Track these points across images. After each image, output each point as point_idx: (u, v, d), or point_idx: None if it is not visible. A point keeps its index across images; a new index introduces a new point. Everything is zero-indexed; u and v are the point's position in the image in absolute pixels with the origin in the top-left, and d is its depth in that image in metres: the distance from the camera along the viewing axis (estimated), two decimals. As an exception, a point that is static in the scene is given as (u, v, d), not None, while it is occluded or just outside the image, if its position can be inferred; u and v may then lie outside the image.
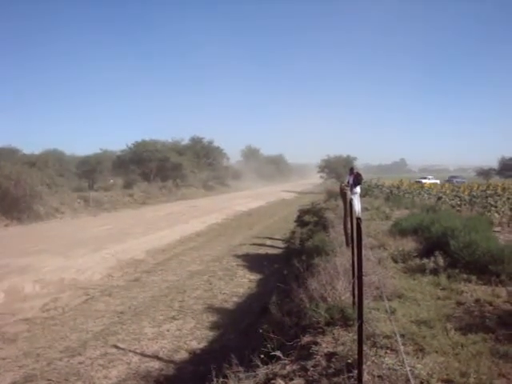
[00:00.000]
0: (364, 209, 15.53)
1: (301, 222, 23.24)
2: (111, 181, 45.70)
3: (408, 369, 3.36)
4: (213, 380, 4.61)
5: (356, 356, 3.73)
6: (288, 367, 4.59)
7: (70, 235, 20.19)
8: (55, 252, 15.64)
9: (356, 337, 3.72)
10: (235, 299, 10.43)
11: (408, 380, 3.64)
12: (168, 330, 8.37)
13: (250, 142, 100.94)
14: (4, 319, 9.27)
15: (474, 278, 7.32)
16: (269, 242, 18.37)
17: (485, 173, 67.71)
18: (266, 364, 4.77)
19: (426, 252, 8.91)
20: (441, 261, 7.97)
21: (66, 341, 7.90)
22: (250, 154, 77.83)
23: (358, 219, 3.61)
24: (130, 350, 7.35)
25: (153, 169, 47.08)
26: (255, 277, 12.52)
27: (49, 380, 6.26)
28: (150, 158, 47.30)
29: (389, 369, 3.88)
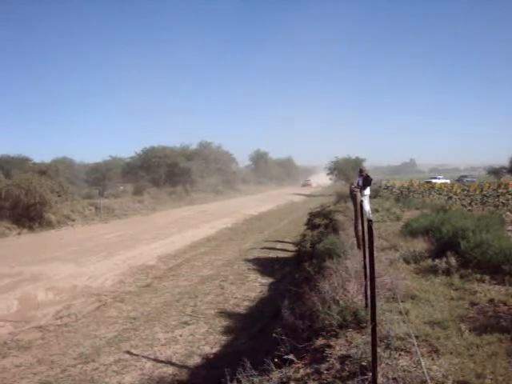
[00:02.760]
0: (374, 210, 15.50)
1: (311, 224, 23.18)
2: (121, 187, 45.84)
3: (424, 370, 3.34)
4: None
5: (370, 358, 3.71)
6: (302, 370, 4.57)
7: (82, 242, 20.28)
8: (67, 259, 15.73)
9: (369, 339, 3.69)
10: (247, 303, 10.43)
11: (423, 382, 3.62)
12: (181, 335, 8.39)
13: (259, 146, 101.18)
14: (18, 327, 9.35)
15: (487, 277, 7.24)
16: (279, 246, 18.36)
17: (496, 171, 66.92)
18: (280, 368, 4.75)
19: (438, 252, 8.84)
20: (453, 261, 7.91)
21: (79, 347, 7.95)
22: (259, 157, 77.78)
23: (370, 221, 3.59)
24: (143, 356, 7.37)
25: (162, 175, 47.18)
26: (266, 280, 12.52)
27: (62, 387, 6.30)
28: (159, 163, 47.41)
29: (403, 371, 3.85)
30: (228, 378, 4.69)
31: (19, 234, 23.36)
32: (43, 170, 28.33)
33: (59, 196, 26.70)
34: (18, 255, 17.11)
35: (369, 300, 4.83)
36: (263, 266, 14.35)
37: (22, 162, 39.36)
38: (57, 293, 11.79)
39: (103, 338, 8.42)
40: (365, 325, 4.99)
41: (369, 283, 3.94)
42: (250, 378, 4.53)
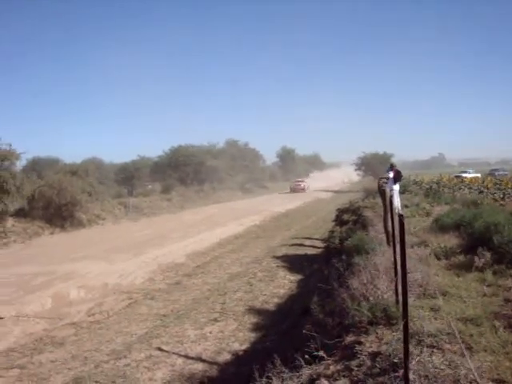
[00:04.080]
0: (403, 206, 15.29)
1: (339, 221, 23.03)
2: (149, 186, 46.39)
3: (471, 365, 3.28)
4: (256, 380, 4.62)
5: (401, 355, 3.67)
6: (332, 367, 4.55)
7: (112, 241, 20.60)
8: (98, 258, 16.00)
9: (400, 335, 3.65)
10: (276, 300, 10.43)
11: (456, 380, 3.56)
12: (210, 332, 8.45)
13: (286, 142, 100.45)
14: (52, 324, 9.57)
15: (522, 273, 7.07)
16: (308, 243, 18.29)
17: (529, 164, 65.38)
18: (310, 364, 4.74)
19: (469, 248, 8.66)
20: (486, 256, 7.75)
21: (111, 344, 8.09)
22: (286, 154, 77.48)
23: (401, 216, 3.52)
24: (173, 353, 7.45)
25: (189, 173, 47.54)
26: (295, 277, 12.49)
27: (97, 382, 6.43)
28: (186, 162, 47.79)
29: (435, 368, 3.80)
30: (257, 374, 4.70)
31: (52, 233, 23.87)
32: (74, 171, 28.82)
33: (90, 196, 27.14)
34: (50, 254, 17.49)
35: (400, 296, 4.78)
36: (292, 262, 14.32)
37: (53, 163, 40.21)
38: (88, 290, 12.01)
39: (134, 334, 8.55)
40: (395, 321, 4.93)
41: (400, 279, 3.89)
42: (280, 375, 4.53)
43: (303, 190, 56.03)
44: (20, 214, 24.03)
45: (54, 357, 7.62)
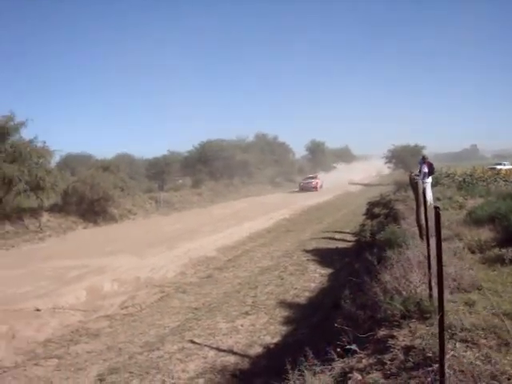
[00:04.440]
0: (436, 199, 15.06)
1: (370, 214, 22.84)
2: (180, 181, 46.83)
3: None
4: (288, 373, 4.63)
5: (435, 349, 3.63)
6: (364, 361, 4.53)
7: (143, 235, 20.89)
8: (130, 252, 16.24)
9: (434, 330, 3.61)
10: (307, 294, 10.43)
11: (493, 375, 3.51)
12: (242, 325, 8.50)
13: (315, 135, 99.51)
14: (87, 316, 9.78)
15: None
16: (338, 236, 18.19)
17: None
18: (342, 357, 4.73)
19: (505, 241, 8.47)
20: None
21: (145, 336, 8.22)
22: (315, 147, 76.93)
23: (437, 208, 3.47)
24: (205, 345, 7.53)
25: (219, 167, 47.78)
26: (326, 271, 12.45)
27: (131, 372, 6.55)
28: (215, 156, 48.05)
29: (471, 363, 3.74)
30: (289, 367, 4.71)
31: (85, 227, 24.37)
32: (106, 166, 29.29)
33: (121, 191, 27.56)
34: (84, 248, 17.86)
35: (433, 290, 4.73)
36: (322, 256, 14.27)
37: (85, 160, 40.99)
38: (121, 284, 12.21)
39: (167, 327, 8.67)
40: (429, 315, 4.88)
41: (435, 273, 3.84)
42: (312, 368, 4.54)
43: (315, 188, 47.60)
44: (54, 209, 24.61)
45: (89, 348, 7.80)
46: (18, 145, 22.32)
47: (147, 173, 46.54)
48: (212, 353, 7.20)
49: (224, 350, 7.28)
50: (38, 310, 9.99)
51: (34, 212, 23.10)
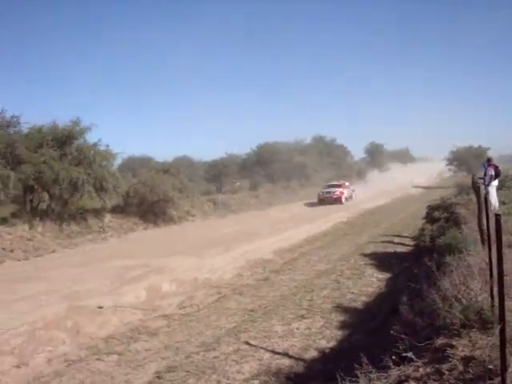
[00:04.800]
0: (501, 202, 14.47)
1: (430, 218, 22.21)
2: (238, 183, 47.25)
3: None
4: (343, 379, 4.59)
5: (497, 362, 3.50)
6: (421, 370, 4.42)
7: (201, 237, 21.26)
8: (188, 253, 16.56)
9: (496, 341, 3.49)
10: (364, 298, 10.29)
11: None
12: (297, 329, 8.49)
13: (374, 137, 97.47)
14: (146, 315, 10.09)
15: None
16: (397, 240, 17.84)
17: None
18: (398, 365, 4.64)
19: None
20: None
21: (201, 336, 8.38)
22: (374, 149, 75.60)
23: (498, 215, 3.36)
24: (261, 347, 7.57)
25: (276, 170, 47.86)
26: (384, 276, 12.24)
27: (187, 371, 6.69)
28: (273, 159, 48.19)
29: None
30: (344, 372, 4.67)
31: (145, 228, 25.10)
32: (166, 169, 30.06)
33: (180, 193, 28.18)
34: (144, 249, 18.41)
35: (496, 299, 4.56)
36: (380, 260, 14.03)
37: (146, 162, 42.14)
38: (179, 284, 12.48)
39: (223, 328, 8.79)
40: (490, 325, 4.70)
41: (497, 281, 3.71)
42: (367, 374, 4.48)
43: (339, 200, 36.26)
44: (116, 210, 25.48)
45: (148, 346, 8.04)
46: (82, 148, 23.32)
47: (206, 175, 47.25)
48: (267, 355, 7.24)
49: (279, 353, 7.30)
50: (100, 307, 10.39)
51: (97, 213, 24.06)
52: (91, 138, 24.04)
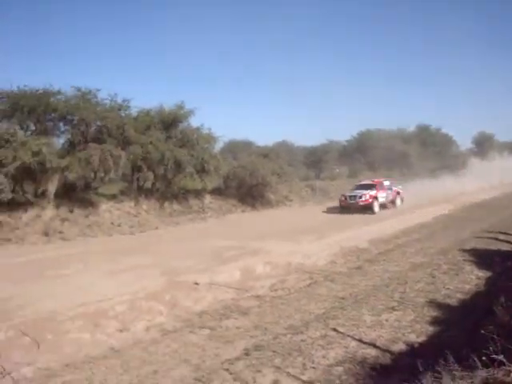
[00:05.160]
0: None
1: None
2: (337, 170, 46.80)
3: None
4: (428, 374, 4.55)
5: None
6: (512, 374, 4.27)
7: (298, 222, 21.55)
8: (284, 237, 16.88)
9: None
10: (459, 296, 9.92)
11: None
12: (387, 320, 8.42)
13: (484, 127, 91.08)
14: (239, 294, 10.52)
15: None
16: (502, 237, 16.85)
17: None
18: (486, 367, 4.51)
19: None
20: None
21: (290, 319, 8.59)
22: (484, 140, 71.02)
23: None
24: (348, 335, 7.63)
25: (377, 158, 46.78)
26: (483, 274, 11.67)
27: (274, 351, 6.94)
28: (374, 146, 47.15)
29: None
30: (431, 369, 4.63)
31: (243, 211, 25.88)
32: (265, 153, 30.59)
33: (279, 177, 28.57)
34: (241, 230, 19.07)
35: None
36: (481, 257, 13.36)
37: (246, 146, 42.96)
38: (273, 267, 12.82)
39: (312, 313, 8.94)
40: None
41: None
42: (452, 373, 4.41)
43: (367, 205, 25.84)
44: (216, 192, 26.43)
45: (238, 324, 8.41)
46: (186, 131, 24.47)
47: (305, 161, 47.24)
48: (354, 343, 7.29)
49: (366, 343, 7.32)
50: (196, 283, 10.99)
51: (198, 193, 25.19)
52: (195, 121, 25.15)
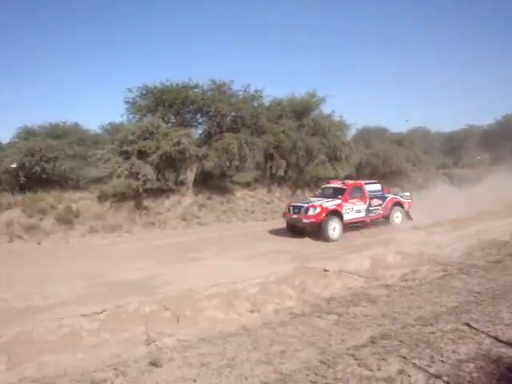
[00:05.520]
0: None
1: None
2: (478, 157, 43.79)
3: None
4: None
5: None
6: None
7: (433, 211, 20.41)
8: (416, 226, 16.33)
9: None
10: None
11: None
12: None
13: None
14: (368, 282, 10.52)
15: None
16: None
17: None
18: None
19: None
20: None
21: (420, 310, 8.36)
22: None
23: None
24: (482, 331, 7.24)
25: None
26: None
27: (401, 341, 6.82)
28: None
29: None
30: None
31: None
32: (400, 140, 29.73)
33: (413, 165, 27.63)
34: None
35: None
36: None
37: (380, 133, 41.99)
38: (404, 257, 12.58)
39: (443, 305, 8.60)
40: None
41: None
42: None
43: (314, 224, 15.37)
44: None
45: (366, 311, 8.38)
46: (318, 119, 24.63)
47: (442, 147, 44.98)
48: (488, 341, 6.89)
49: (502, 341, 6.87)
50: (326, 270, 11.16)
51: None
52: (326, 108, 25.23)
